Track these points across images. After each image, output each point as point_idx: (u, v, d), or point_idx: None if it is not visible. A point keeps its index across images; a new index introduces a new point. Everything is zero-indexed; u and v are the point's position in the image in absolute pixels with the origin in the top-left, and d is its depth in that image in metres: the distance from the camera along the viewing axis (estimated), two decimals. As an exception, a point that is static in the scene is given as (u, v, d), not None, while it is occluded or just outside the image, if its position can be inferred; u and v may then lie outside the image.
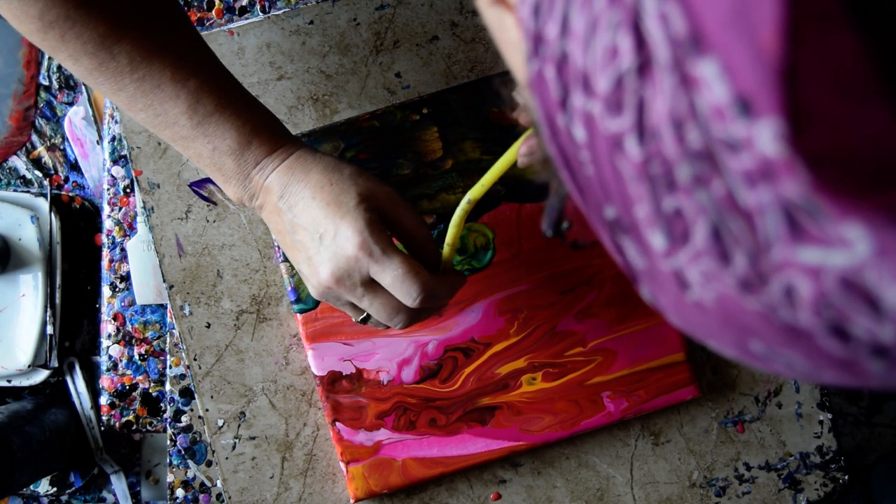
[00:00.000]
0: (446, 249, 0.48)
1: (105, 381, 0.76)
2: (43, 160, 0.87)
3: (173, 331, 0.66)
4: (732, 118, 0.15)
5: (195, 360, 0.60)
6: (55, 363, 0.80)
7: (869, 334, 0.16)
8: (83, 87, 0.85)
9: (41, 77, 0.87)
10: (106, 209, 0.77)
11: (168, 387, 0.66)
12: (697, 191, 0.17)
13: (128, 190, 0.76)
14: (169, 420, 0.66)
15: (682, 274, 0.19)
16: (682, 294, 0.19)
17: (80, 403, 0.82)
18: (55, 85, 0.87)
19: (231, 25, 0.62)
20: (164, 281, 0.61)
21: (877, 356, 0.17)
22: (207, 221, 0.61)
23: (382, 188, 0.46)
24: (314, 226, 0.44)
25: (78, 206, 0.84)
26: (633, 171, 0.18)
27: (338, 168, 0.46)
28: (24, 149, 0.88)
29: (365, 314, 0.47)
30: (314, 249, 0.45)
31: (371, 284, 0.44)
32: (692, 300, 0.19)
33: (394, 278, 0.43)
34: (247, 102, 0.47)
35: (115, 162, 0.77)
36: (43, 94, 0.87)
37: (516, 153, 0.44)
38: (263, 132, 0.46)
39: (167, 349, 0.67)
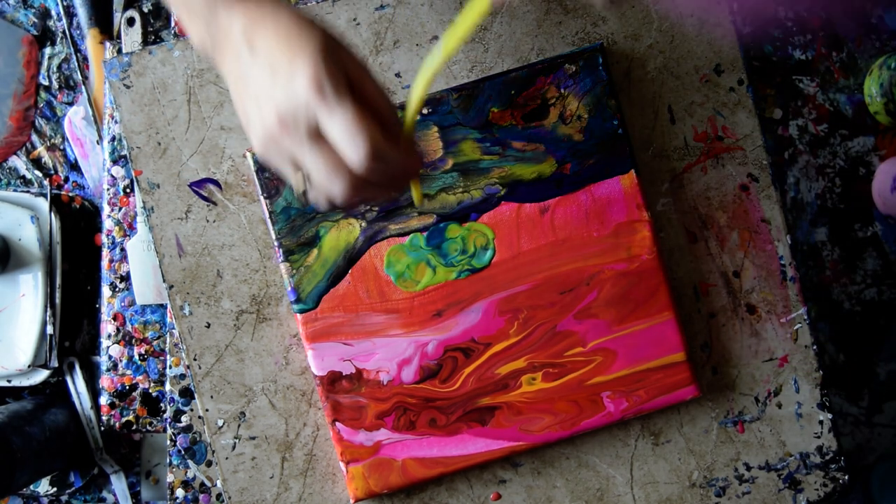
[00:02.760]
0: (409, 115, 0.44)
1: (105, 381, 0.76)
2: (43, 160, 0.87)
3: (173, 331, 0.67)
4: None
5: (195, 360, 0.60)
6: (55, 363, 0.80)
7: None
8: (83, 87, 0.85)
9: (41, 77, 0.87)
10: (106, 209, 0.77)
11: (168, 387, 0.66)
12: None
13: (128, 190, 0.76)
14: (169, 420, 0.66)
15: None
16: None
17: (80, 403, 0.82)
18: (55, 85, 0.87)
19: (231, 25, 0.62)
20: (164, 281, 0.61)
21: None
22: (207, 221, 0.61)
23: (352, 53, 0.43)
24: (269, 59, 0.41)
25: (78, 206, 0.84)
26: None
27: (311, 21, 0.43)
28: (24, 149, 0.88)
29: (305, 186, 0.44)
30: (264, 86, 0.42)
31: (317, 136, 0.41)
32: None
33: (343, 125, 0.40)
34: None
35: (115, 162, 0.77)
36: (43, 94, 0.87)
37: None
38: None
39: (167, 349, 0.67)
